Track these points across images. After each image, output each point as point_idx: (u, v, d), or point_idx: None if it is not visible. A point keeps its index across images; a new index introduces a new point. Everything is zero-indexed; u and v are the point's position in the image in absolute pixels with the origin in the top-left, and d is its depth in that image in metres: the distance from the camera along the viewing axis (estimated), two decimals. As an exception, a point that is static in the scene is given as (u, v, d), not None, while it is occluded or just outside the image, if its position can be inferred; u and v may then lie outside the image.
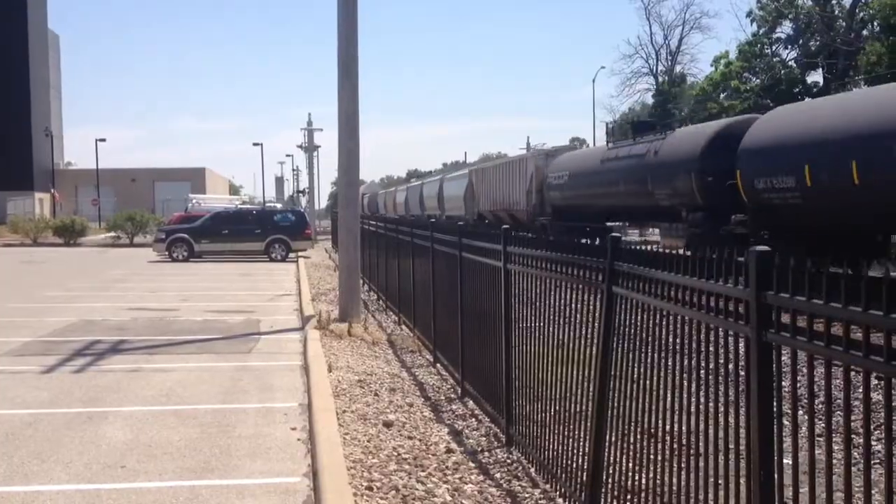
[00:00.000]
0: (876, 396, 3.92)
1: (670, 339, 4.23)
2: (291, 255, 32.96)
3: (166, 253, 32.55)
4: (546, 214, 28.70)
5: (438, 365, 10.52)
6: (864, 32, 47.01)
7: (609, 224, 25.14)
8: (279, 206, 57.23)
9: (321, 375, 9.62)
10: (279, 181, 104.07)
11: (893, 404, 2.74)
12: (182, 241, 32.68)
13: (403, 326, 14.01)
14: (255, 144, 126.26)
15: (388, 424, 7.73)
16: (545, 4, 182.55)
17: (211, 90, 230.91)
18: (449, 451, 6.96)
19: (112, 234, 48.31)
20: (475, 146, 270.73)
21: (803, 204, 15.01)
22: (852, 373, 2.88)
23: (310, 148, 62.20)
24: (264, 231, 33.17)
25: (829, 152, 14.13)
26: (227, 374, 10.41)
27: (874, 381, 2.89)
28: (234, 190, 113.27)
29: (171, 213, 50.12)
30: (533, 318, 6.53)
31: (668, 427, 4.19)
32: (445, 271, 10.06)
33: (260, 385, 9.77)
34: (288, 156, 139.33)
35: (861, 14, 48.03)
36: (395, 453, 6.87)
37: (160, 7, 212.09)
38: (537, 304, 6.44)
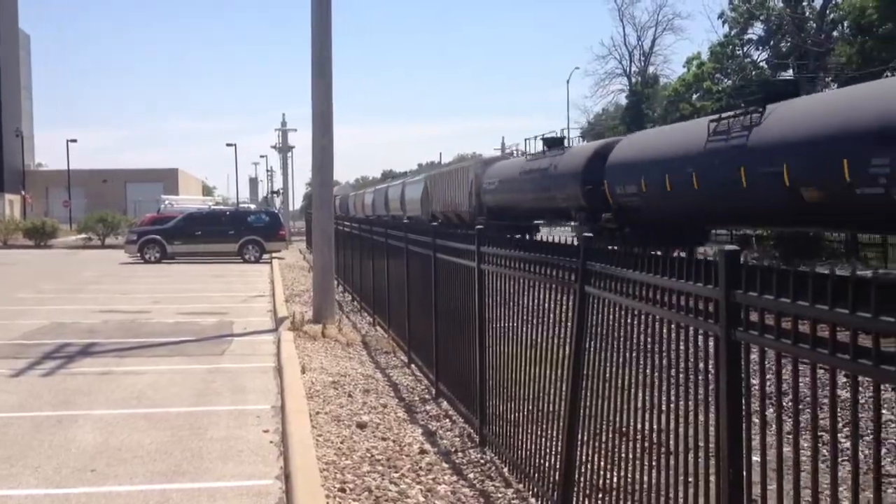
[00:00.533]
0: (845, 394, 3.95)
1: (642, 339, 4.24)
2: (265, 256, 32.81)
3: (138, 254, 32.30)
4: (483, 214, 33.71)
5: (413, 366, 10.50)
6: (835, 33, 47.52)
7: (535, 222, 32.52)
8: (253, 206, 56.90)
9: (294, 377, 9.58)
10: (253, 182, 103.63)
11: (861, 401, 2.77)
12: (154, 242, 32.44)
13: (378, 327, 13.99)
14: (228, 145, 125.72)
15: (361, 426, 7.71)
16: (526, 6, 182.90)
17: (184, 91, 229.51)
18: (422, 451, 6.95)
19: (83, 235, 47.86)
20: (454, 146, 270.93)
21: (643, 206, 20.53)
22: (820, 370, 2.91)
23: (284, 148, 61.84)
24: (238, 232, 32.99)
25: (655, 169, 19.57)
26: (199, 376, 10.34)
27: (843, 379, 2.91)
28: (207, 191, 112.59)
29: (143, 214, 49.70)
30: (507, 318, 6.53)
31: (640, 426, 4.21)
32: (419, 272, 10.04)
33: (232, 387, 9.71)
34: (262, 156, 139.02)
35: (831, 15, 48.55)
36: (369, 454, 6.84)
37: (135, 7, 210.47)
38: (511, 304, 6.44)
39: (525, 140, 30.97)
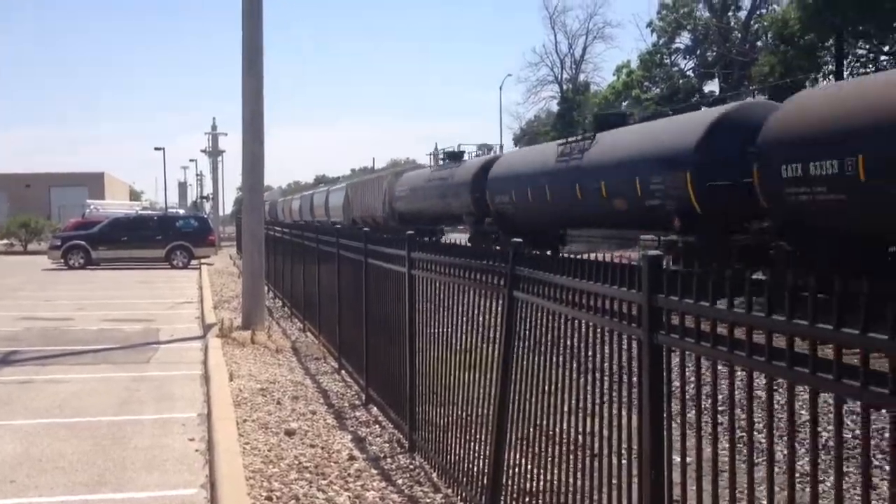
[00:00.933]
0: (763, 395, 4.04)
1: (569, 343, 4.28)
2: (194, 261, 32.30)
3: (62, 260, 31.53)
4: (395, 220, 37.24)
5: (343, 372, 10.44)
6: (759, 44, 48.67)
7: (440, 227, 35.98)
8: (182, 212, 55.94)
9: (222, 384, 9.44)
10: (182, 186, 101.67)
11: (780, 402, 2.83)
12: (78, 248, 31.71)
13: (308, 333, 13.87)
14: (156, 149, 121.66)
15: (290, 433, 7.63)
16: (463, 11, 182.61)
17: (111, 92, 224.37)
18: (351, 458, 6.91)
19: (5, 241, 46.59)
20: (390, 151, 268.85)
21: (514, 213, 24.75)
22: (739, 372, 2.97)
23: (214, 152, 60.95)
24: (165, 237, 32.42)
25: (521, 183, 23.86)
26: (123, 384, 10.12)
27: (761, 381, 2.97)
28: (134, 195, 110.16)
29: (68, 219, 48.54)
30: (437, 323, 6.53)
31: (566, 429, 4.24)
32: (351, 277, 9.99)
33: (158, 395, 9.53)
34: (191, 161, 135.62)
35: (756, 26, 49.72)
36: (297, 462, 6.77)
37: (61, 4, 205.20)
38: (441, 309, 6.45)
39: (428, 154, 35.88)
